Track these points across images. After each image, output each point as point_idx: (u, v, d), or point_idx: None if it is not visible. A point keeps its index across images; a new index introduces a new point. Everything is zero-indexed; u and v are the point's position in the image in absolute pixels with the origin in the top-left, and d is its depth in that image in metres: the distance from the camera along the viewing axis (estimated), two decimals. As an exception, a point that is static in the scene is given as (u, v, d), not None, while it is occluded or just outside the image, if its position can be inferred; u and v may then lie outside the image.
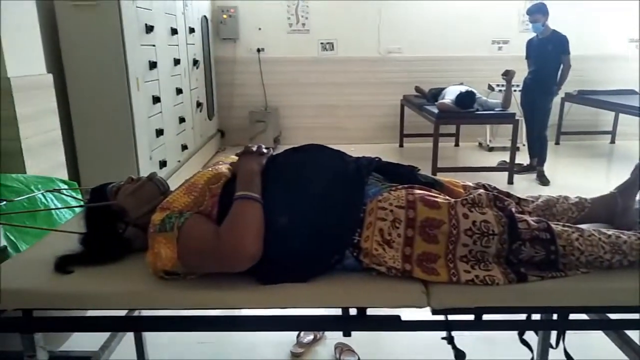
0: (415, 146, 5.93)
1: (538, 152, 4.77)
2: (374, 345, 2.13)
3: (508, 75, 4.53)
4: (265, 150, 1.28)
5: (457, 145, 6.17)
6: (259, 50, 6.00)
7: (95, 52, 3.08)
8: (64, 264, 1.17)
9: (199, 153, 4.99)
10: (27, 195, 1.67)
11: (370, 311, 1.13)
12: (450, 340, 1.17)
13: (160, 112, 3.83)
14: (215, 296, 1.09)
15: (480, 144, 6.11)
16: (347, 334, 1.14)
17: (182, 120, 4.43)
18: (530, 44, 4.80)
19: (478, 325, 1.11)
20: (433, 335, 2.11)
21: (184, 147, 4.50)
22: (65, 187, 1.99)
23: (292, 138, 6.09)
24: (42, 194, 1.84)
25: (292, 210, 1.12)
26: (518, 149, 5.43)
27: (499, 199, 1.18)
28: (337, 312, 1.15)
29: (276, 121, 6.02)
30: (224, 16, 5.80)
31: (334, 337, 2.16)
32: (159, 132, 3.76)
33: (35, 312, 1.13)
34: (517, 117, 4.53)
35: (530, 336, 1.65)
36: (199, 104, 5.09)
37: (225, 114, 6.17)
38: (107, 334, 1.55)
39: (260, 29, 5.97)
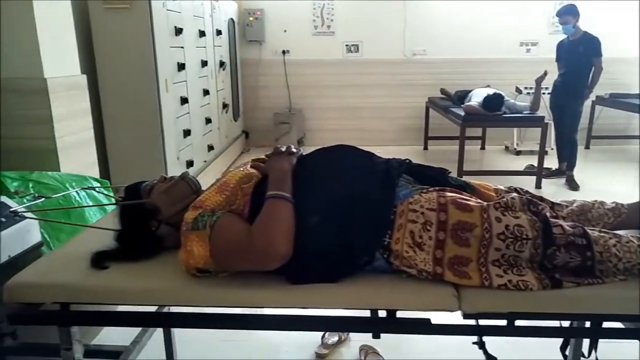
0: (440, 149, 5.87)
1: (567, 156, 4.67)
2: (399, 349, 2.12)
3: (540, 77, 4.44)
4: (294, 151, 1.29)
5: (482, 148, 6.08)
6: (284, 53, 6.04)
7: (126, 54, 3.15)
8: (99, 260, 1.20)
9: (224, 154, 5.05)
10: (62, 193, 1.72)
11: (399, 314, 1.12)
12: (481, 345, 1.16)
13: (188, 112, 3.89)
14: (245, 295, 1.10)
15: (506, 147, 6.01)
16: (376, 335, 1.13)
17: (208, 121, 4.49)
18: (560, 46, 4.71)
19: (510, 331, 1.09)
20: (460, 340, 2.09)
21: (210, 148, 4.56)
22: (98, 185, 2.04)
23: (316, 140, 6.10)
24: (76, 191, 1.90)
25: (322, 211, 1.12)
26: (546, 152, 5.33)
27: (533, 203, 1.16)
28: (365, 313, 1.15)
29: (300, 123, 6.04)
30: (250, 18, 5.86)
31: (358, 339, 2.16)
32: (187, 133, 3.82)
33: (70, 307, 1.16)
34: (546, 121, 4.44)
35: (558, 344, 1.61)
36: (224, 105, 5.15)
37: (250, 116, 6.23)
38: (135, 330, 1.59)
39: (285, 31, 6.01)
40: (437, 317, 1.11)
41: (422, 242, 1.10)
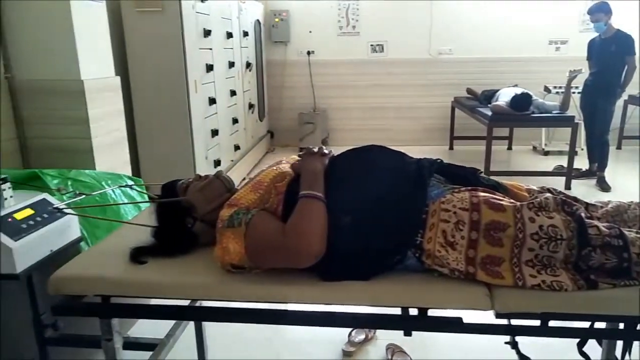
0: (466, 149, 5.81)
1: (598, 157, 4.56)
2: (426, 348, 2.12)
3: (571, 75, 4.34)
4: (326, 152, 1.31)
5: (509, 148, 5.99)
6: (309, 53, 6.07)
7: (157, 56, 3.23)
8: (137, 255, 1.25)
9: (250, 153, 5.11)
10: (101, 191, 1.78)
11: (431, 312, 1.13)
12: (514, 345, 1.15)
13: (216, 113, 3.95)
14: (279, 290, 1.12)
15: (534, 148, 5.90)
16: (407, 333, 1.14)
17: (235, 121, 4.55)
18: (592, 45, 4.60)
19: (544, 331, 1.08)
20: (488, 341, 2.07)
21: (237, 147, 4.63)
22: (133, 183, 2.11)
23: (340, 140, 6.12)
24: (112, 190, 1.96)
25: (354, 210, 1.14)
26: (576, 153, 5.22)
27: (567, 203, 1.15)
28: (396, 311, 1.16)
29: (325, 123, 6.07)
30: (276, 20, 5.91)
31: (385, 337, 2.17)
32: (214, 133, 3.88)
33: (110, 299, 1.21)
34: (576, 121, 4.34)
35: (592, 346, 1.59)
36: (250, 106, 5.21)
37: (275, 116, 6.29)
38: (169, 324, 1.63)
39: (310, 31, 6.04)
40: (469, 317, 1.11)
41: (454, 242, 1.11)
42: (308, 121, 5.88)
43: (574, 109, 4.92)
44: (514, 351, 1.31)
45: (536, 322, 1.09)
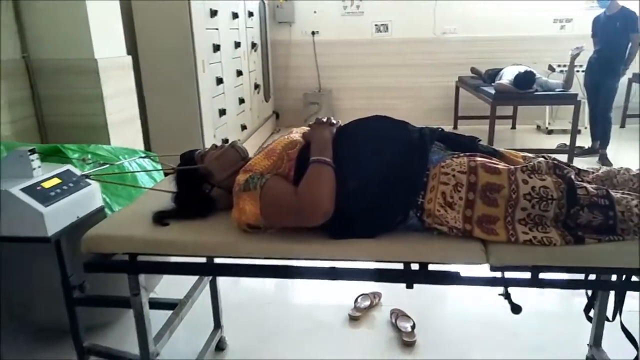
0: (470, 128, 5.86)
1: (601, 134, 4.62)
2: (428, 313, 2.23)
3: (574, 53, 4.36)
4: (334, 122, 1.40)
5: (513, 127, 6.05)
6: (313, 33, 6.10)
7: (166, 36, 3.30)
8: (160, 218, 1.35)
9: (256, 133, 5.20)
10: (123, 161, 1.88)
11: (431, 267, 1.23)
12: (507, 296, 1.25)
13: (223, 93, 4.03)
14: (291, 248, 1.22)
15: (538, 127, 5.96)
16: (409, 286, 1.24)
17: (241, 101, 4.63)
18: (596, 21, 4.61)
19: (534, 282, 1.18)
20: (487, 307, 2.20)
21: (243, 127, 4.71)
22: (148, 157, 2.21)
23: (345, 119, 6.06)
24: (129, 162, 2.06)
25: (361, 174, 1.23)
26: (579, 132, 5.27)
27: (559, 167, 1.24)
28: (399, 267, 1.26)
29: (330, 103, 6.13)
30: (281, 0, 5.93)
31: (388, 303, 2.28)
32: (222, 112, 3.97)
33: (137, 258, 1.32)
34: (579, 99, 4.38)
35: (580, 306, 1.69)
36: (256, 86, 5.28)
37: (280, 96, 6.35)
38: (187, 286, 1.74)
39: (315, 12, 6.07)
40: (466, 271, 1.22)
41: (453, 202, 1.20)
42: (313, 101, 5.94)
43: (578, 87, 4.95)
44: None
45: (527, 275, 1.19)
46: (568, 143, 4.51)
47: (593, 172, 1.40)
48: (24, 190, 1.49)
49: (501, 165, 1.23)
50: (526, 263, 1.16)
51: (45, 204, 1.50)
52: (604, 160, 4.51)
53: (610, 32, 4.41)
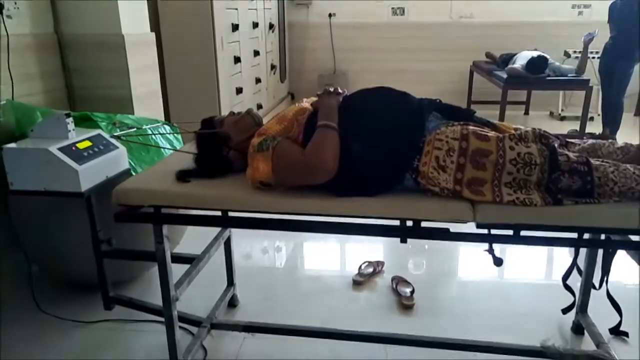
0: (484, 113, 5.64)
1: (610, 120, 4.64)
2: (427, 281, 2.38)
3: (587, 40, 4.40)
4: (341, 91, 1.53)
5: (526, 113, 6.08)
6: (330, 16, 6.17)
7: (187, 14, 3.43)
8: (183, 176, 1.50)
9: (271, 113, 5.33)
10: (152, 125, 2.04)
11: (423, 224, 1.36)
12: (491, 251, 1.39)
13: (240, 72, 4.17)
14: (299, 203, 1.36)
15: (551, 113, 5.98)
16: (403, 240, 1.38)
17: (258, 80, 4.76)
18: (613, 7, 4.61)
19: (516, 239, 1.31)
20: (482, 277, 2.33)
21: (259, 107, 4.85)
22: (168, 127, 2.37)
23: (359, 102, 6.27)
24: (151, 130, 2.22)
25: (363, 138, 1.36)
26: (592, 118, 5.30)
27: (544, 136, 1.35)
28: (395, 223, 1.40)
29: (344, 85, 6.18)
30: (299, -19, 6.01)
31: (390, 272, 2.43)
32: (239, 90, 4.11)
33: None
34: (590, 84, 4.41)
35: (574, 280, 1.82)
36: (273, 67, 5.40)
37: (295, 77, 6.46)
38: (205, 243, 1.90)
39: (332, -6, 6.13)
40: (455, 228, 1.35)
41: (445, 165, 1.32)
42: (328, 83, 6.02)
43: (592, 74, 4.96)
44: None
45: (510, 232, 1.31)
46: (579, 129, 4.55)
47: (579, 145, 1.51)
48: (60, 149, 1.65)
49: (491, 134, 1.35)
50: (509, 221, 1.29)
51: (80, 163, 1.66)
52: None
53: (626, 17, 4.42)
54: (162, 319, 1.89)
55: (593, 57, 5.41)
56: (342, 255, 2.75)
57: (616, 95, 4.58)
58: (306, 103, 1.54)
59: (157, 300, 1.97)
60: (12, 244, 2.12)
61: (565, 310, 1.94)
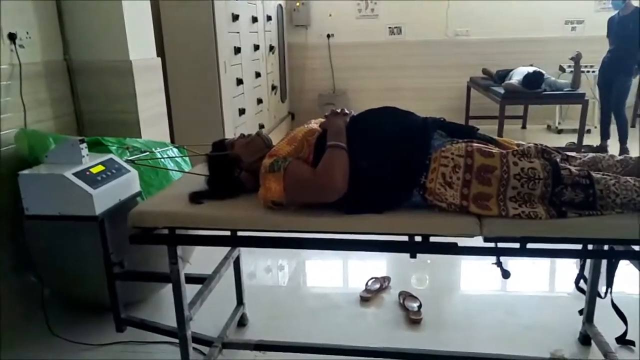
0: (482, 128, 5.55)
1: (618, 131, 4.69)
2: (434, 296, 2.40)
3: (576, 57, 4.51)
4: (348, 112, 1.59)
5: (524, 127, 6.15)
6: (328, 36, 6.30)
7: (191, 39, 3.52)
8: (195, 197, 1.54)
9: (272, 133, 5.39)
10: (162, 149, 2.09)
11: (432, 240, 1.40)
12: (499, 264, 1.42)
13: (243, 93, 4.24)
14: (311, 221, 1.40)
15: (548, 127, 6.06)
16: (413, 255, 1.42)
17: (259, 101, 4.84)
18: (611, 22, 4.69)
19: (523, 252, 1.35)
20: (487, 290, 2.36)
21: (261, 126, 4.91)
22: (177, 150, 2.42)
23: (358, 120, 6.35)
24: (161, 154, 2.27)
25: (371, 157, 1.41)
26: (589, 131, 5.37)
27: (546, 151, 1.40)
28: (404, 239, 1.44)
29: (344, 104, 6.30)
30: (297, 4, 6.15)
31: (397, 287, 2.45)
32: (241, 112, 4.18)
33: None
34: (586, 98, 4.49)
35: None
36: (273, 87, 5.49)
37: (296, 97, 6.55)
38: (215, 263, 1.93)
39: (330, 15, 6.26)
40: (463, 242, 1.39)
41: (451, 182, 1.37)
42: (328, 102, 6.12)
43: (587, 88, 5.04)
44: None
45: (516, 245, 1.35)
46: (576, 142, 4.62)
47: (580, 158, 1.56)
48: (75, 174, 1.70)
49: (495, 150, 1.40)
50: (515, 234, 1.33)
51: (94, 187, 1.71)
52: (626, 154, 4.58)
53: (623, 32, 4.49)
54: (174, 340, 1.92)
55: (588, 71, 5.53)
56: (347, 272, 2.77)
57: (617, 108, 4.63)
58: (314, 124, 1.59)
59: (167, 320, 2.01)
60: (25, 267, 2.15)
61: (582, 311, 1.96)
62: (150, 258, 2.03)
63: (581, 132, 4.49)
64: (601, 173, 1.38)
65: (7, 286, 2.19)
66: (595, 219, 1.30)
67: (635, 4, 4.49)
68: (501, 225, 1.32)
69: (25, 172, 1.73)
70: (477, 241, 1.37)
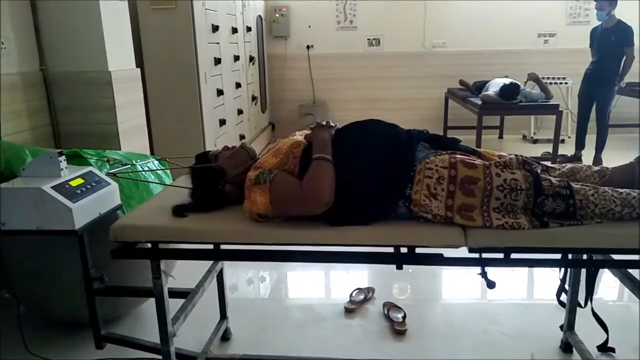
0: (461, 138, 5.99)
1: (597, 140, 4.80)
2: (417, 306, 2.41)
3: (530, 76, 4.67)
4: (333, 124, 1.59)
5: (500, 137, 6.28)
6: (308, 47, 6.34)
7: (171, 49, 3.49)
8: (179, 211, 1.52)
9: (253, 143, 5.38)
10: (145, 161, 2.05)
11: (417, 250, 1.41)
12: (484, 274, 1.44)
13: (223, 104, 4.22)
14: (296, 234, 1.40)
15: (524, 137, 6.20)
16: (399, 267, 1.42)
17: (240, 112, 4.82)
18: (593, 33, 4.78)
19: (507, 261, 1.37)
20: (470, 299, 2.38)
21: (242, 137, 4.90)
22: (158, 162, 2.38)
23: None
24: (142, 167, 2.23)
25: (356, 169, 1.42)
26: (563, 141, 5.51)
27: (527, 162, 1.43)
28: (390, 250, 1.45)
29: (324, 114, 6.33)
30: (277, 15, 6.18)
31: (381, 297, 2.46)
32: (222, 122, 4.16)
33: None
34: (560, 109, 4.62)
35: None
36: (254, 98, 5.48)
37: (276, 108, 6.56)
38: (198, 277, 1.91)
39: (310, 26, 6.31)
40: (448, 253, 1.40)
41: (436, 193, 1.38)
42: (308, 113, 6.15)
43: (561, 99, 5.17)
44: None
45: (500, 255, 1.37)
46: (552, 151, 4.73)
47: (559, 169, 1.60)
48: (54, 188, 1.66)
49: (478, 161, 1.42)
50: (499, 244, 1.35)
51: (73, 201, 1.66)
52: (599, 164, 4.71)
53: (605, 44, 4.58)
54: (156, 356, 1.87)
55: (561, 83, 5.70)
56: (331, 283, 2.77)
57: (599, 118, 4.74)
58: (299, 136, 1.59)
59: (147, 336, 1.97)
60: (1, 283, 2.08)
61: (562, 327, 1.99)
62: (129, 272, 1.99)
63: (556, 142, 4.60)
64: (580, 183, 1.41)
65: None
66: (575, 228, 1.34)
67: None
68: (485, 235, 1.34)
69: (2, 185, 1.68)
70: (462, 252, 1.39)
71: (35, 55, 2.55)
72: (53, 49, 2.59)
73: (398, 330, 2.17)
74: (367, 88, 6.42)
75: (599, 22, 4.72)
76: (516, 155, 1.49)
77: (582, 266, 1.64)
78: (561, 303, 1.93)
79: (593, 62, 4.79)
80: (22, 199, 1.64)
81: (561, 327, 2.00)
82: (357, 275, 2.72)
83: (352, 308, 2.37)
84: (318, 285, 2.76)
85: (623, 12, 4.71)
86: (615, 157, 5.22)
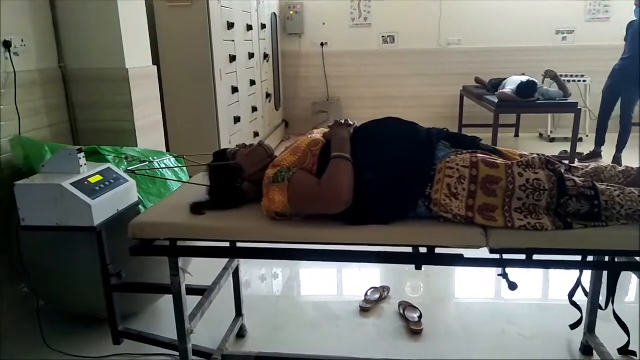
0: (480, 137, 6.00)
1: (619, 138, 4.67)
2: (433, 305, 2.39)
3: (548, 74, 4.56)
4: (351, 123, 1.58)
5: (517, 135, 6.20)
6: (322, 45, 6.31)
7: (186, 47, 3.50)
8: (197, 208, 1.52)
9: (266, 141, 5.37)
10: (160, 159, 2.06)
11: (437, 251, 1.39)
12: (505, 275, 1.41)
13: (238, 101, 4.23)
14: (314, 233, 1.39)
15: (540, 135, 6.11)
16: (418, 267, 1.41)
17: (254, 109, 4.82)
18: (630, 27, 4.65)
19: (529, 263, 1.34)
20: (487, 299, 2.35)
21: (256, 134, 4.90)
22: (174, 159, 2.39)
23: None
24: (159, 164, 2.24)
25: (376, 168, 1.40)
26: (581, 139, 5.42)
27: (550, 162, 1.41)
28: (409, 250, 1.43)
29: (338, 112, 6.31)
30: (291, 12, 6.17)
31: (396, 297, 2.44)
32: (237, 120, 4.16)
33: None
34: (579, 107, 4.54)
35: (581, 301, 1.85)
36: (268, 95, 5.48)
37: (289, 105, 6.55)
38: (215, 274, 1.91)
39: (324, 24, 6.29)
40: (469, 254, 1.38)
41: (457, 193, 1.36)
42: (321, 110, 6.14)
43: (580, 97, 5.07)
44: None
45: (522, 257, 1.35)
46: (569, 150, 4.65)
47: (583, 169, 1.56)
48: (73, 184, 1.67)
49: (500, 161, 1.40)
50: (521, 246, 1.32)
51: (92, 197, 1.68)
52: (618, 163, 4.62)
53: (637, 40, 4.43)
54: (173, 352, 1.89)
55: (579, 81, 5.61)
56: (345, 281, 2.75)
57: (623, 119, 4.61)
58: (318, 134, 1.58)
59: (164, 332, 1.98)
60: (19, 278, 2.11)
61: (573, 326, 1.96)
62: (145, 268, 2.00)
63: (574, 140, 4.52)
64: (605, 184, 1.38)
65: (1, 298, 2.15)
66: (601, 230, 1.31)
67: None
68: (507, 236, 1.32)
69: (22, 182, 1.70)
70: (483, 252, 1.37)
71: (54, 52, 2.57)
72: (71, 46, 2.60)
73: (414, 330, 2.15)
74: (381, 86, 6.38)
75: (636, 18, 4.55)
76: (539, 155, 1.46)
77: (605, 268, 1.60)
78: (573, 304, 1.90)
79: (624, 58, 4.61)
80: (42, 195, 1.66)
81: (571, 327, 1.96)
82: (371, 274, 2.71)
83: (368, 307, 2.36)
84: (332, 283, 2.75)
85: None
86: (635, 156, 5.15)
